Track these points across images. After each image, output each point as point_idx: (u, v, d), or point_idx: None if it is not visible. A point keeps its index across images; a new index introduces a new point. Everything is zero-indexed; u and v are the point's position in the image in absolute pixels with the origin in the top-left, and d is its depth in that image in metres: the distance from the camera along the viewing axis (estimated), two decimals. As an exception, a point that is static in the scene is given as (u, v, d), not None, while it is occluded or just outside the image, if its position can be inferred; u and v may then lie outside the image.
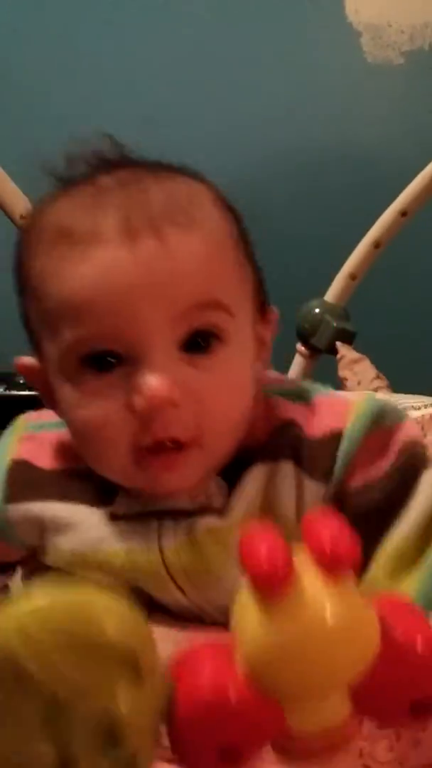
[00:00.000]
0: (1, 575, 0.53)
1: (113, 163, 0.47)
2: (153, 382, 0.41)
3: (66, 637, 0.23)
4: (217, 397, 0.43)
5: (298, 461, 0.45)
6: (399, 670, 0.25)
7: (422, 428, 0.69)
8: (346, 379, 0.95)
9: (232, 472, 0.45)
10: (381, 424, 0.46)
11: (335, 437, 0.45)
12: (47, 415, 0.52)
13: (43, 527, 0.48)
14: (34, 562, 0.50)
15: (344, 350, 0.98)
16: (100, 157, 0.47)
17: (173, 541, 0.44)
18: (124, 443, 0.42)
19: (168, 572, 0.44)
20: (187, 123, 1.31)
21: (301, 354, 1.06)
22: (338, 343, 1.00)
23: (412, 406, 0.74)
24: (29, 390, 1.04)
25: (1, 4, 1.29)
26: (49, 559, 0.48)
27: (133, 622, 0.24)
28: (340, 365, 0.97)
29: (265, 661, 0.24)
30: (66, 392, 0.44)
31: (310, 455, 0.45)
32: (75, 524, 0.47)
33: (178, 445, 0.42)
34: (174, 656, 0.27)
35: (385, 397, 0.76)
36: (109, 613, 0.24)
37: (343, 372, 0.96)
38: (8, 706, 0.23)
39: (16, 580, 0.52)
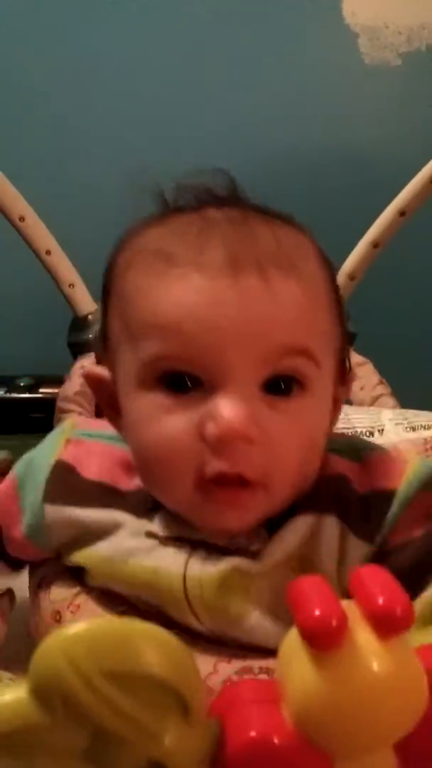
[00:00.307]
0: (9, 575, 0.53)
1: (222, 199, 0.46)
2: (229, 411, 0.39)
3: (113, 664, 0.22)
4: (290, 441, 0.41)
5: (345, 517, 0.44)
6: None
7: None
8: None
9: (273, 519, 0.44)
10: (431, 487, 0.45)
11: (386, 497, 0.45)
12: (97, 425, 0.52)
13: (78, 529, 0.47)
14: (52, 567, 0.50)
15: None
16: (210, 191, 0.47)
17: (198, 572, 0.43)
18: (189, 468, 0.41)
19: (187, 599, 0.43)
20: (185, 123, 1.30)
21: None
22: None
23: (422, 425, 0.73)
24: (30, 393, 1.05)
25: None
26: (76, 560, 0.47)
27: (181, 658, 0.23)
28: None
29: (315, 713, 0.24)
30: (136, 406, 0.43)
31: (358, 512, 0.45)
32: (111, 532, 0.46)
33: (243, 483, 0.41)
34: (215, 695, 0.26)
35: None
36: (158, 646, 0.23)
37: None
38: (53, 733, 0.22)
39: (28, 587, 0.52)
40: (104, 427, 0.50)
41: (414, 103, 1.36)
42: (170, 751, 0.22)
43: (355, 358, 0.94)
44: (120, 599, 0.46)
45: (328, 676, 0.23)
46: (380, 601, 0.24)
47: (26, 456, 0.52)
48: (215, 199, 0.46)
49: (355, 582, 0.25)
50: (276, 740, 0.23)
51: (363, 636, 0.23)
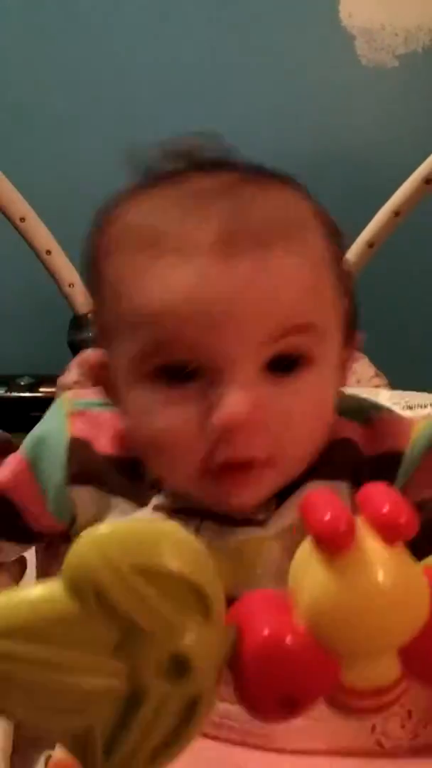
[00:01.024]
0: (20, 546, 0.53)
1: (212, 164, 0.43)
2: (234, 400, 0.38)
3: (141, 559, 0.23)
4: (297, 419, 0.40)
5: (355, 481, 0.44)
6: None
7: None
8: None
9: (283, 487, 0.44)
10: None
11: (395, 460, 0.45)
12: (88, 393, 0.52)
13: (100, 507, 0.47)
14: (64, 543, 0.51)
15: None
16: (199, 156, 0.44)
17: (207, 541, 0.41)
18: (195, 458, 0.40)
19: None
20: (181, 126, 1.31)
21: None
22: None
23: (420, 405, 0.75)
24: (30, 392, 1.06)
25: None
26: None
27: (205, 561, 0.25)
28: None
29: (326, 615, 0.25)
30: (137, 396, 0.42)
31: (367, 476, 0.44)
32: (123, 510, 0.47)
33: (252, 464, 0.40)
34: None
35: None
36: (184, 546, 0.25)
37: None
38: (86, 627, 0.23)
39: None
40: (95, 394, 0.49)
41: (410, 104, 1.37)
42: (191, 648, 0.24)
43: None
44: None
45: (338, 579, 0.25)
46: (385, 509, 0.26)
47: (32, 435, 0.51)
48: (204, 164, 0.43)
49: (362, 496, 0.27)
50: (288, 640, 0.25)
51: (371, 544, 0.25)
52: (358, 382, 0.91)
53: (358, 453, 0.45)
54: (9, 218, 0.96)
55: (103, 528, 0.25)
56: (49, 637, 0.23)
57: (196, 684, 0.24)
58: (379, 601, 0.25)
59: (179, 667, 0.24)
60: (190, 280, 0.38)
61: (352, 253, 1.02)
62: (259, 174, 0.43)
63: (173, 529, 0.25)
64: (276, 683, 0.26)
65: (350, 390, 0.81)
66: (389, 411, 0.50)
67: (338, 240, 0.45)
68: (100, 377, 0.47)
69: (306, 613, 0.26)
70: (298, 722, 0.28)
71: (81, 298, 0.99)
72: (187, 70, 1.31)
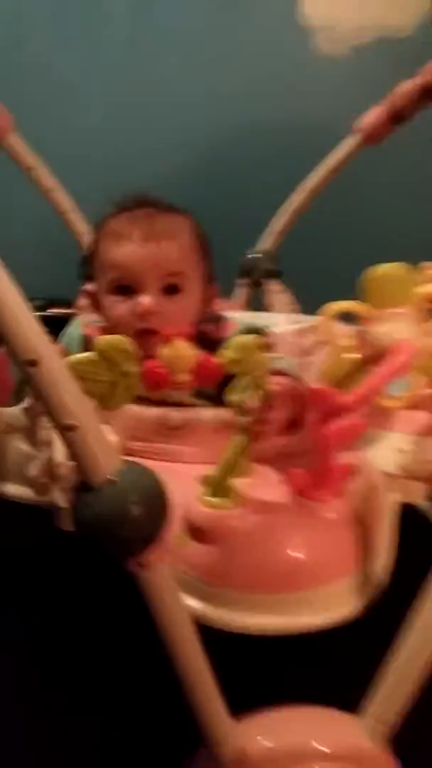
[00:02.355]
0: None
1: (141, 202, 0.88)
2: (145, 300, 0.83)
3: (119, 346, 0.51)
4: (173, 316, 0.82)
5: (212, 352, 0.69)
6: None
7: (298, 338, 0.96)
8: (270, 304, 1.24)
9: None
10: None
11: (225, 339, 0.69)
12: (92, 316, 0.93)
13: None
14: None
15: (272, 284, 1.27)
16: (136, 199, 0.89)
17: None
18: (131, 327, 0.81)
19: None
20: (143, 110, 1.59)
21: (243, 285, 1.33)
22: (268, 279, 1.28)
23: (302, 321, 0.98)
24: (42, 312, 1.33)
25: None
26: None
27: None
28: (268, 294, 1.26)
29: None
30: (107, 302, 0.86)
31: (213, 349, 0.68)
32: None
33: (151, 331, 0.81)
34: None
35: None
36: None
37: (269, 299, 1.26)
38: (101, 366, 0.50)
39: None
40: (96, 318, 0.91)
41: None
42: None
43: (276, 287, 1.27)
44: None
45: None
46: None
47: (63, 335, 0.91)
48: (139, 203, 0.88)
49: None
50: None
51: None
52: (279, 307, 1.23)
53: (210, 337, 0.82)
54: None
55: (108, 336, 0.55)
56: (80, 373, 0.53)
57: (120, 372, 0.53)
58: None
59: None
60: (128, 251, 0.84)
61: (283, 213, 1.28)
62: (164, 207, 0.88)
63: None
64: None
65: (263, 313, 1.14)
66: (233, 322, 0.90)
67: (202, 237, 0.89)
68: (92, 298, 0.90)
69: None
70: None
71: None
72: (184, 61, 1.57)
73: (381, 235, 1.48)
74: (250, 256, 1.33)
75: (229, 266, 1.31)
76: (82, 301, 1.18)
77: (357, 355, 0.62)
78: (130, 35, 1.59)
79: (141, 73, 1.60)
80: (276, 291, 1.26)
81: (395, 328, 0.61)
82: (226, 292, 1.31)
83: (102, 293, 0.87)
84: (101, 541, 0.48)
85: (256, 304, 1.31)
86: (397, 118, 1.11)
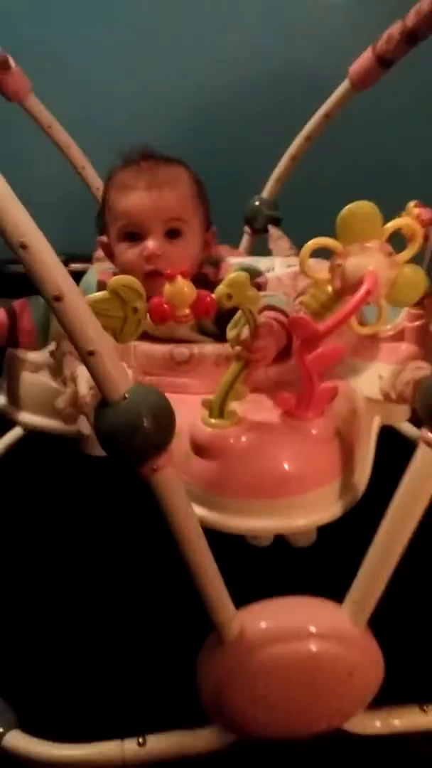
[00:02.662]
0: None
1: (145, 155, 0.96)
2: (151, 245, 0.91)
3: (131, 286, 0.58)
4: (176, 258, 0.91)
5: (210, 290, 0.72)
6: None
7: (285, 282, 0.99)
8: (272, 250, 1.24)
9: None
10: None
11: (219, 280, 0.76)
12: (106, 264, 1.04)
13: None
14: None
15: (272, 230, 1.29)
16: (141, 152, 0.97)
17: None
18: (139, 270, 0.91)
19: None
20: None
21: (247, 233, 1.39)
22: (269, 226, 1.31)
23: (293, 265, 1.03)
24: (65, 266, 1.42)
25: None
26: None
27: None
28: (270, 240, 1.27)
29: None
30: (117, 249, 0.95)
31: (212, 288, 0.71)
32: None
33: (158, 273, 0.89)
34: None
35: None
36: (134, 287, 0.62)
37: (271, 245, 1.27)
38: (115, 304, 0.58)
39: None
40: (109, 265, 1.02)
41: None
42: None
43: (277, 233, 1.28)
44: None
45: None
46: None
47: (81, 281, 1.01)
48: (143, 156, 0.96)
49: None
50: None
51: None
52: (279, 252, 1.27)
53: (209, 279, 0.97)
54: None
55: (120, 276, 0.62)
56: (106, 305, 0.61)
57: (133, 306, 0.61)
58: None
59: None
60: (135, 200, 0.93)
61: (284, 161, 1.32)
62: (165, 159, 0.96)
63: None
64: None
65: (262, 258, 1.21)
66: (228, 263, 1.01)
67: (199, 185, 0.97)
68: (105, 247, 1.00)
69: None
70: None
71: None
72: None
73: (380, 182, 1.50)
74: (252, 204, 1.37)
75: (237, 215, 1.39)
76: (98, 252, 1.28)
77: (331, 287, 0.69)
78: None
79: (145, 30, 1.68)
80: (276, 237, 1.27)
81: (364, 261, 0.67)
82: (233, 240, 1.39)
83: (113, 242, 0.96)
84: (119, 448, 0.58)
85: (263, 250, 1.36)
86: (384, 62, 1.13)
